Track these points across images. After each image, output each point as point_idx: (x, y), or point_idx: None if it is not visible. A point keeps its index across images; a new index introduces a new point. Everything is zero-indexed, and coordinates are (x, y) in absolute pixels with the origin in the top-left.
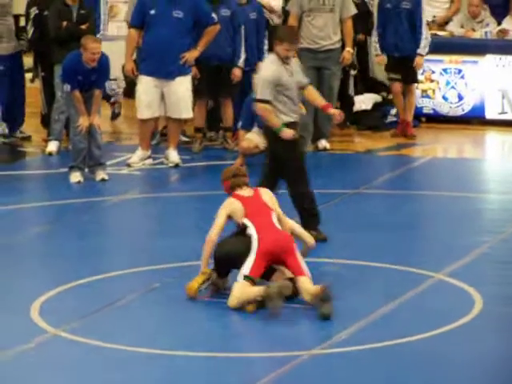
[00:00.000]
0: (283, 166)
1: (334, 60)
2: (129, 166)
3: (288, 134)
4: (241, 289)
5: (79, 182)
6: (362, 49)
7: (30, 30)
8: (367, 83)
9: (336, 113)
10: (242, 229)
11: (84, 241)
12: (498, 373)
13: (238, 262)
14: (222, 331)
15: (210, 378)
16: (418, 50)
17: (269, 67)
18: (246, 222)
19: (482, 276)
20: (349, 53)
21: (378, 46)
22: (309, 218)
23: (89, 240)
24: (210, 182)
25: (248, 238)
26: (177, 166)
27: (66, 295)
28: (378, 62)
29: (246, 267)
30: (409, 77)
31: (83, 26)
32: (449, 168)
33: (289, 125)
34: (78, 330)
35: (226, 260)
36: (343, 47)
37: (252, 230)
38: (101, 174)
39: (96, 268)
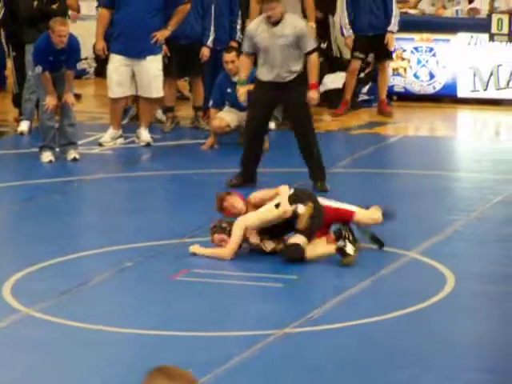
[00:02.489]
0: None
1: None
2: (100, 145)
3: (238, 92)
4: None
5: (50, 162)
6: (324, 28)
7: (1, 11)
8: (331, 62)
9: (313, 97)
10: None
11: (56, 220)
12: (469, 351)
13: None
14: (194, 310)
15: (183, 357)
16: (389, 28)
17: (253, 22)
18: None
19: (455, 254)
20: (312, 28)
21: (349, 27)
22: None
23: (60, 219)
24: (181, 161)
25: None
26: (148, 145)
27: (38, 275)
28: (347, 44)
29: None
30: (382, 54)
31: (54, 6)
32: (420, 146)
33: (259, 83)
34: (50, 309)
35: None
36: None
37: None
38: (72, 154)
39: (68, 248)
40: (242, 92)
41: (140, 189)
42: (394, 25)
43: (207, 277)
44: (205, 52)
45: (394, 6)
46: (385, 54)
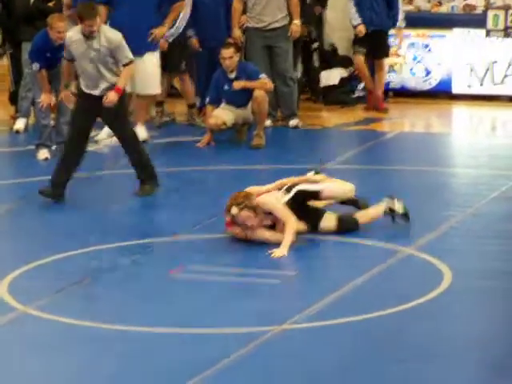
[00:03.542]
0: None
1: (283, 37)
2: (96, 142)
3: (62, 95)
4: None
5: (46, 159)
6: (318, 23)
7: None
8: (325, 59)
9: (111, 99)
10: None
11: (51, 218)
12: (467, 348)
13: None
14: (192, 307)
15: (180, 355)
16: (398, 24)
17: (73, 29)
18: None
19: (451, 250)
20: (296, 25)
21: (357, 15)
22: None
23: (56, 217)
24: (177, 159)
25: None
26: (144, 142)
27: (35, 273)
28: (359, 31)
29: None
30: (381, 51)
31: (50, 4)
32: (416, 142)
33: (81, 92)
34: (47, 307)
35: None
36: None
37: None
38: None
39: (63, 245)
40: (65, 94)
41: (135, 186)
42: (402, 21)
43: (204, 273)
44: (162, 44)
45: (400, 1)
46: (382, 51)
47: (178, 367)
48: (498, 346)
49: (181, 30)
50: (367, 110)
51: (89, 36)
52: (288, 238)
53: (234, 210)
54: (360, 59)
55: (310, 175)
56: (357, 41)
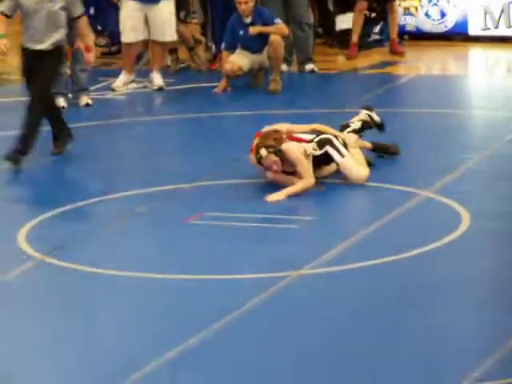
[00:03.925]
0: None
1: None
2: (113, 90)
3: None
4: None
5: (63, 108)
6: None
7: None
8: (339, 1)
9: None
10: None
11: (70, 167)
12: (485, 289)
13: None
14: (210, 254)
15: (200, 301)
16: None
17: None
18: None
19: (469, 192)
20: None
21: None
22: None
23: (74, 166)
24: (194, 105)
25: None
26: (161, 89)
27: (53, 222)
28: None
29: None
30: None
31: None
32: (433, 85)
33: (24, 50)
34: (66, 255)
35: None
36: None
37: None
38: (84, 99)
39: (82, 193)
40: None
41: (154, 133)
42: None
43: (221, 219)
44: None
45: None
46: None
47: (199, 313)
48: None
49: None
50: (348, 59)
51: None
52: (294, 188)
53: (263, 152)
54: (362, 5)
55: (345, 135)
56: None
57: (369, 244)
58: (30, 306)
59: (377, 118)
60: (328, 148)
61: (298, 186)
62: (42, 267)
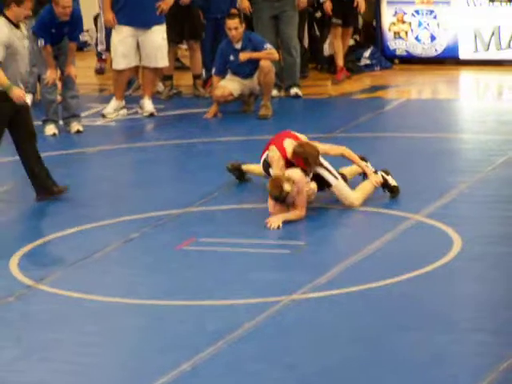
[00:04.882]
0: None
1: (290, 5)
2: (103, 116)
3: (17, 93)
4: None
5: (54, 135)
6: None
7: None
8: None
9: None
10: None
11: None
12: (477, 313)
13: None
14: (201, 279)
15: (193, 326)
16: None
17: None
18: None
19: (461, 216)
20: None
21: None
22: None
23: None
24: (184, 131)
25: None
26: (152, 115)
27: (45, 248)
28: (326, 8)
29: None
30: (348, 20)
31: None
32: (424, 109)
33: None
34: (57, 282)
35: None
36: None
37: None
38: (76, 126)
39: (73, 220)
40: (19, 92)
41: (145, 159)
42: None
43: (214, 245)
44: None
45: None
46: (351, 21)
47: (192, 338)
48: (509, 313)
49: None
50: (335, 83)
51: (17, 23)
52: (291, 215)
53: (288, 187)
54: (336, 31)
55: (367, 165)
56: (333, 12)
57: (361, 269)
58: (21, 332)
59: (392, 182)
60: (318, 169)
61: (294, 213)
62: (34, 294)
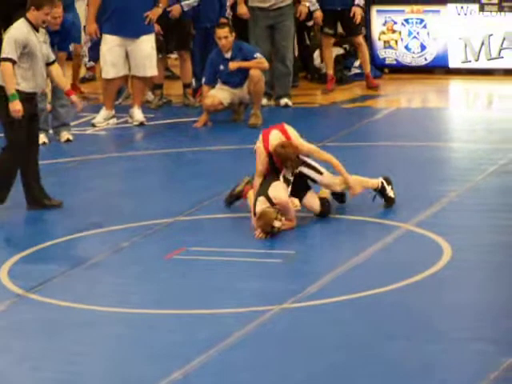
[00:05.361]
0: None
1: (287, 15)
2: (93, 125)
3: (15, 107)
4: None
5: (44, 144)
6: None
7: None
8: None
9: (76, 101)
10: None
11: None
12: (468, 322)
13: None
14: (192, 288)
15: (183, 335)
16: (357, 1)
17: (19, 27)
18: None
19: (451, 225)
20: (305, 6)
21: (314, 0)
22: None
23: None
24: (174, 140)
25: None
26: (141, 124)
27: (35, 257)
28: (316, 18)
29: None
30: (349, 29)
31: None
32: (413, 118)
33: (26, 95)
34: (48, 291)
35: None
36: (294, 2)
37: None
38: (66, 135)
39: (63, 229)
40: (17, 107)
41: (135, 168)
42: None
43: (204, 254)
44: (174, 9)
45: None
46: (352, 30)
47: (182, 347)
48: (501, 321)
49: (196, 3)
50: (325, 93)
51: (36, 27)
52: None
53: (277, 224)
54: (327, 41)
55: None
56: (325, 21)
57: (351, 277)
58: (11, 341)
59: (389, 193)
60: (302, 168)
61: (289, 224)
62: (23, 303)
